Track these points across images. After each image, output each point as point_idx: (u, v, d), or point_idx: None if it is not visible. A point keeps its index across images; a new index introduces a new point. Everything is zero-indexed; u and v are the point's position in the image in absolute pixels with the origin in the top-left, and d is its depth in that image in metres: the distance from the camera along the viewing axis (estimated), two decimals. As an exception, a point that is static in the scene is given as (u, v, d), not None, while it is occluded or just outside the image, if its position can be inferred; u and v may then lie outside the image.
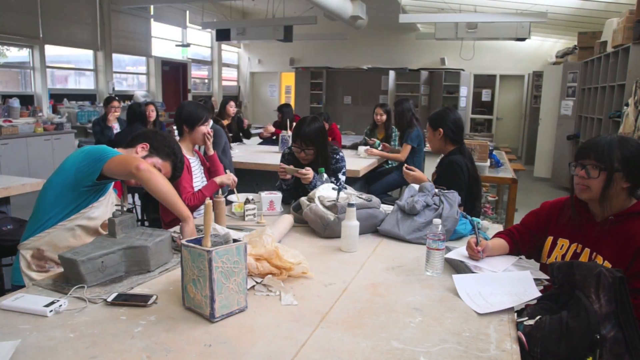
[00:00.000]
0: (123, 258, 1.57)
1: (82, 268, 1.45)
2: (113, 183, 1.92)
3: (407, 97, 5.77)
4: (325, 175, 2.50)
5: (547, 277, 1.55)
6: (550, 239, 1.73)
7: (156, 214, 4.58)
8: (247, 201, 2.36)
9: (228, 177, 2.60)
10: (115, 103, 5.36)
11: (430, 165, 4.77)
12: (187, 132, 2.69)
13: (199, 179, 2.75)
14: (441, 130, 2.65)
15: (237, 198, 2.55)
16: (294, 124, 2.85)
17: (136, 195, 4.84)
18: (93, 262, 1.48)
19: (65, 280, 1.51)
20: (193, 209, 2.54)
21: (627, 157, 1.52)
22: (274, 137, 5.93)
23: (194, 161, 2.72)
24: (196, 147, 2.85)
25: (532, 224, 1.80)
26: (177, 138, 2.75)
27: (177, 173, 2.05)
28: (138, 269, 1.59)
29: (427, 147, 5.05)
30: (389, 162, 5.13)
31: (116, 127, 5.35)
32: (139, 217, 4.84)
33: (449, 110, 2.75)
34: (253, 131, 6.82)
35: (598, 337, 1.24)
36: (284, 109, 6.18)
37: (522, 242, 1.79)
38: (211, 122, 2.77)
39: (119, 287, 1.48)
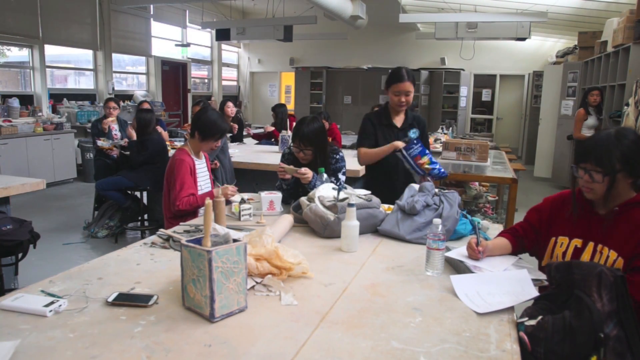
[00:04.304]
0: None
1: None
2: None
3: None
4: (325, 175, 2.50)
5: (546, 277, 1.55)
6: (552, 239, 1.73)
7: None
8: (243, 201, 2.35)
9: (224, 191, 2.47)
10: (112, 104, 5.30)
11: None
12: (198, 138, 2.68)
13: (204, 181, 2.74)
14: None
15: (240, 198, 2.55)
16: (294, 123, 2.85)
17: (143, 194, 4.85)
18: None
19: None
20: (190, 211, 2.52)
21: (626, 154, 1.51)
22: (272, 140, 5.95)
23: (199, 163, 2.70)
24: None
25: (534, 220, 1.80)
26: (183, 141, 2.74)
27: None
28: None
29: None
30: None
31: (115, 128, 5.33)
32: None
33: None
34: (253, 131, 6.83)
35: (602, 335, 1.24)
36: (278, 109, 6.22)
37: (527, 238, 1.79)
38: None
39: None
